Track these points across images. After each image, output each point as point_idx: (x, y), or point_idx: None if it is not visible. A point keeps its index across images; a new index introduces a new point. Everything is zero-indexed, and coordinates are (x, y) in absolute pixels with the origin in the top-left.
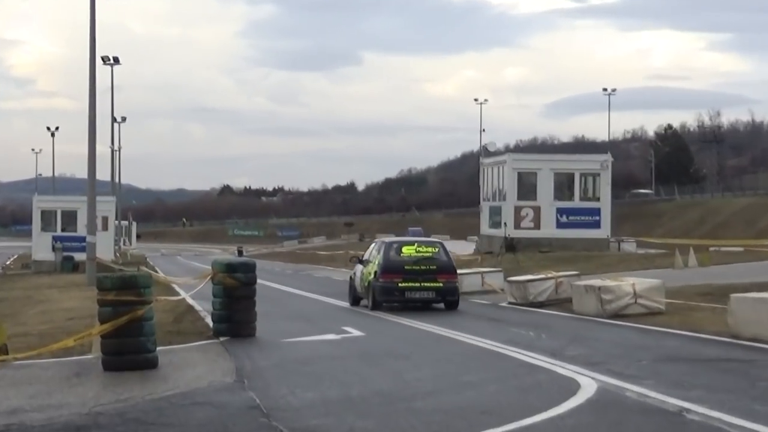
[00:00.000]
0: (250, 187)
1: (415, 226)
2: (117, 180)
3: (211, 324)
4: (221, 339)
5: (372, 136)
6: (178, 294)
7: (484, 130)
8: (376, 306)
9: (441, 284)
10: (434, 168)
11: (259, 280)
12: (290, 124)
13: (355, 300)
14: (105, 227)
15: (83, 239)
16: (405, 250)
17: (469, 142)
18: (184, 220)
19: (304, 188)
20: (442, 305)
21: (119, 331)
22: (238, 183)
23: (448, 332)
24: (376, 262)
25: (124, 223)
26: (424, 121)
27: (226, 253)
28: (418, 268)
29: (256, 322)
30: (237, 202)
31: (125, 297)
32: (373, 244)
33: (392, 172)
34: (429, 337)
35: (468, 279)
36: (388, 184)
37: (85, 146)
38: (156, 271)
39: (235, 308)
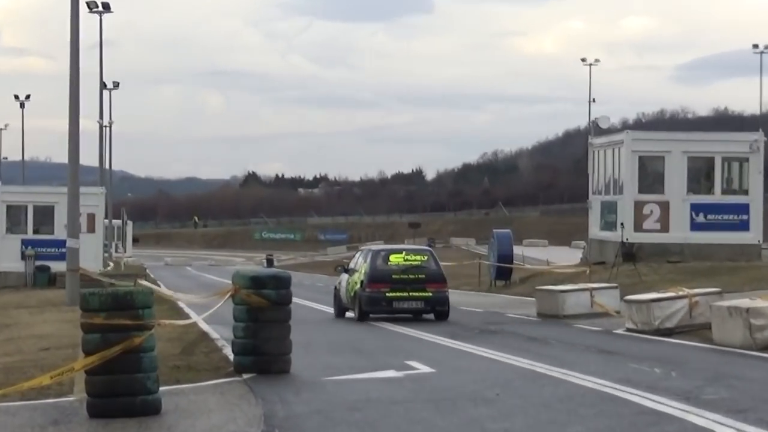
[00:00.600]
0: (283, 175)
1: (501, 228)
2: (107, 166)
3: (231, 356)
4: (244, 376)
5: (445, 108)
6: (187, 317)
7: (594, 100)
8: (362, 317)
9: (430, 294)
10: (527, 151)
11: (295, 299)
12: (337, 93)
13: (340, 311)
14: (91, 228)
15: (63, 244)
16: (392, 258)
17: (575, 117)
18: (196, 219)
19: (355, 177)
20: (431, 316)
21: (110, 366)
22: (268, 170)
23: (547, 368)
24: (363, 271)
25: (117, 222)
26: (514, 88)
27: (251, 263)
28: (406, 277)
29: (291, 354)
30: (266, 196)
31: (118, 320)
32: (359, 252)
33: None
34: (521, 375)
35: (572, 298)
36: (467, 173)
37: (65, 121)
38: (158, 286)
39: (264, 336)
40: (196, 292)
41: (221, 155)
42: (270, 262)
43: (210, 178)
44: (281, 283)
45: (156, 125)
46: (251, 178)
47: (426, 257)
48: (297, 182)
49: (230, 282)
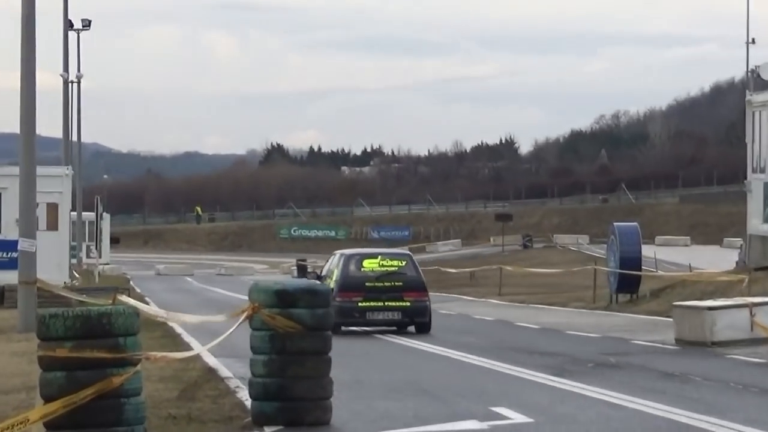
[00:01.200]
0: (319, 148)
1: (625, 221)
2: (75, 137)
3: (248, 402)
4: (267, 430)
5: (545, 53)
6: (188, 347)
7: (753, 41)
8: (333, 329)
9: (408, 303)
10: (661, 112)
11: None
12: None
13: None
14: (53, 224)
15: (13, 246)
16: (366, 263)
17: (726, 64)
18: (199, 210)
19: (421, 150)
20: (411, 329)
21: (79, 416)
22: (299, 142)
23: (690, 417)
24: (333, 278)
25: (89, 216)
26: (641, 25)
27: (276, 272)
28: (381, 284)
29: (332, 399)
30: (296, 178)
31: (90, 353)
32: (332, 257)
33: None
34: (654, 428)
35: (725, 318)
36: (576, 143)
37: (16, 74)
38: (146, 305)
39: (294, 373)
40: (200, 312)
41: (233, 121)
42: (303, 270)
43: (218, 153)
44: (318, 300)
45: (143, 81)
46: (276, 152)
47: (404, 262)
48: (339, 158)
49: (246, 298)
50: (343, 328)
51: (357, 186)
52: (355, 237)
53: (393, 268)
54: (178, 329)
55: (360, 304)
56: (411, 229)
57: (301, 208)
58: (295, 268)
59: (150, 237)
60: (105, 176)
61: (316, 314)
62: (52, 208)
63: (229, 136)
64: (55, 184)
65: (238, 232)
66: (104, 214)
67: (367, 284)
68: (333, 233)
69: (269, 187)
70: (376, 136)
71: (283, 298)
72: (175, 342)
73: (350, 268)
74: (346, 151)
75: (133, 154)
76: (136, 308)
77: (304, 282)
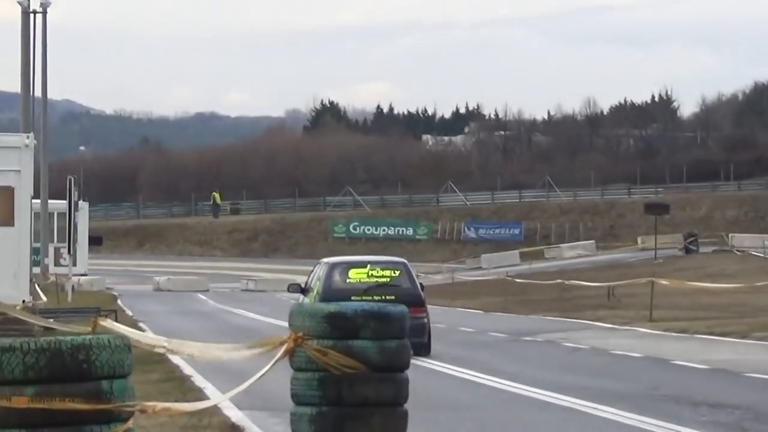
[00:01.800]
0: (391, 109)
1: None
2: (38, 91)
3: None
4: None
5: None
6: (201, 395)
7: None
8: None
9: None
10: None
11: (415, 360)
12: None
13: None
14: (6, 218)
15: None
16: (353, 274)
17: None
18: (217, 197)
19: (536, 112)
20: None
21: None
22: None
23: None
24: (315, 292)
25: (58, 205)
26: None
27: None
28: (369, 298)
29: None
30: (357, 149)
31: (60, 403)
32: (317, 266)
33: None
34: None
35: None
36: (762, 102)
37: None
38: (141, 332)
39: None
40: (218, 343)
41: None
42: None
43: (244, 115)
44: (389, 327)
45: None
46: (328, 114)
47: (398, 272)
48: (420, 122)
49: (285, 325)
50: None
51: (445, 163)
52: (443, 236)
53: (384, 279)
54: (187, 368)
55: None
56: (523, 226)
57: (365, 195)
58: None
59: (146, 236)
60: (82, 148)
61: (387, 348)
62: (5, 195)
63: (259, 92)
64: (10, 159)
65: (274, 230)
66: (81, 202)
67: (353, 298)
68: (411, 231)
69: (318, 164)
70: (473, 92)
71: (339, 325)
72: (183, 387)
73: (334, 279)
74: (430, 112)
75: (122, 117)
76: (126, 338)
77: (369, 303)
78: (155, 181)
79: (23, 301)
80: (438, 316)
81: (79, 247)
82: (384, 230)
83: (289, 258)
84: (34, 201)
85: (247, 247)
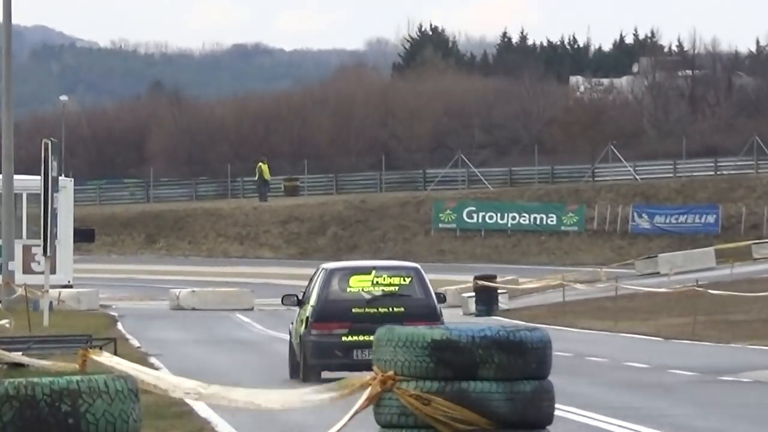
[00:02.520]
0: (522, 37)
1: None
2: None
3: None
4: None
5: None
6: None
7: None
8: (307, 374)
9: None
10: None
11: (561, 406)
12: None
13: (294, 368)
14: None
15: None
16: (355, 281)
17: None
18: (264, 168)
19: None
20: None
21: None
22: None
23: None
24: (310, 304)
25: (26, 183)
26: None
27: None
28: (374, 311)
29: None
30: (473, 95)
31: None
32: (315, 273)
33: None
34: None
35: None
36: None
37: None
38: (153, 369)
39: None
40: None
41: None
42: (488, 299)
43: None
44: (524, 362)
45: None
46: (425, 46)
47: (408, 279)
48: (564, 57)
49: (373, 363)
50: (322, 371)
51: (604, 118)
52: (601, 227)
53: (392, 288)
54: (222, 425)
55: (344, 338)
56: (720, 212)
57: (485, 167)
58: (473, 296)
59: (160, 228)
60: (63, 97)
61: (520, 394)
62: None
63: (326, 16)
64: None
65: (349, 218)
66: (63, 178)
67: (354, 311)
68: (554, 219)
69: (415, 121)
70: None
71: (448, 359)
72: None
73: (332, 288)
74: (580, 43)
75: (123, 52)
76: (131, 379)
77: (493, 327)
78: (172, 147)
79: None
80: (594, 345)
81: (61, 245)
82: (514, 218)
83: (373, 259)
84: None
85: (309, 245)
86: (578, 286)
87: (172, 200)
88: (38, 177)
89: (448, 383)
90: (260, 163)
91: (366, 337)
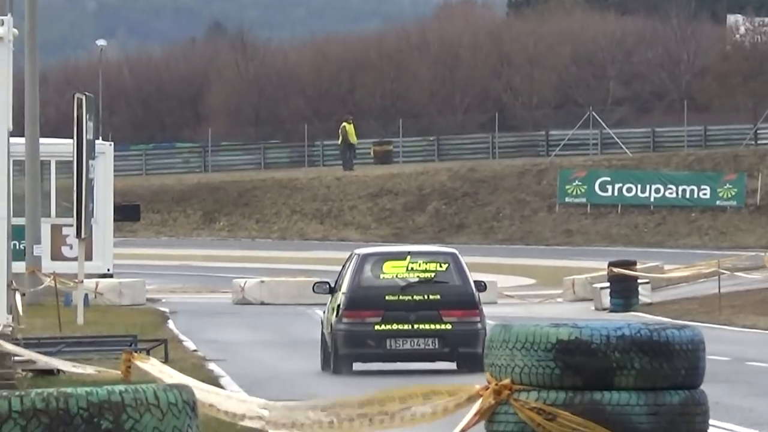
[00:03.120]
0: None
1: None
2: None
3: None
4: None
5: None
6: None
7: None
8: (338, 365)
9: (449, 326)
10: None
11: (716, 422)
12: None
13: (326, 359)
14: None
15: None
16: (389, 267)
17: None
18: (349, 127)
19: None
20: (452, 365)
21: None
22: None
23: None
24: (342, 292)
25: (58, 148)
26: None
27: (553, 302)
28: (409, 299)
29: None
30: (602, 39)
31: None
32: (347, 259)
33: None
34: None
35: None
36: None
37: None
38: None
39: None
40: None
41: None
42: (626, 290)
43: None
44: (670, 368)
45: None
46: None
47: (445, 266)
48: None
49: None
50: (355, 363)
51: None
52: (763, 202)
53: (428, 275)
54: None
55: (377, 327)
56: None
57: (620, 127)
58: (606, 286)
59: (220, 203)
60: (101, 42)
61: (666, 407)
62: None
63: None
64: None
65: (455, 191)
66: (101, 142)
67: (388, 298)
68: (707, 191)
69: (535, 69)
70: None
71: (577, 364)
72: None
73: (365, 274)
74: None
75: None
76: (188, 390)
77: (633, 325)
78: (235, 103)
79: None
80: (757, 346)
81: (98, 225)
82: (657, 190)
83: (483, 241)
84: (14, 141)
85: (405, 224)
86: (738, 274)
87: (236, 169)
88: (70, 140)
89: (578, 394)
90: (345, 123)
91: (400, 326)
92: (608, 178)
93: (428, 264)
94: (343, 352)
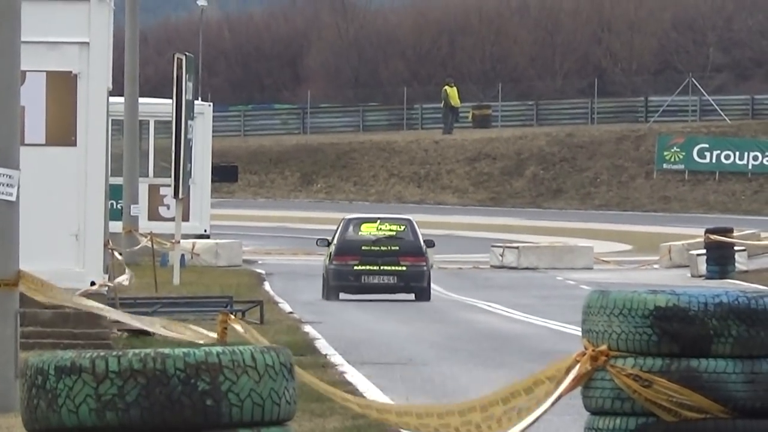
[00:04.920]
0: None
1: None
2: None
3: None
4: None
5: None
6: None
7: None
8: (329, 294)
9: (404, 268)
10: None
11: None
12: None
13: (323, 290)
14: (63, 131)
15: None
16: (364, 228)
17: None
18: (451, 91)
19: None
20: (411, 297)
21: None
22: None
23: None
24: (334, 243)
25: (157, 109)
26: None
27: (644, 268)
28: (377, 249)
29: None
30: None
31: None
32: (339, 223)
33: None
34: None
35: None
36: None
37: None
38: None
39: None
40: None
41: None
42: (723, 257)
43: None
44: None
45: None
46: None
47: (403, 227)
48: None
49: (576, 333)
50: (341, 293)
51: None
52: None
53: (391, 233)
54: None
55: (356, 267)
56: None
57: (721, 94)
58: (703, 253)
59: (318, 165)
60: (201, 2)
61: (764, 374)
62: (61, 87)
63: None
64: (69, 22)
65: (552, 156)
66: (200, 103)
67: (363, 248)
68: None
69: (633, 33)
70: None
71: (673, 331)
72: None
73: (348, 232)
74: None
75: None
76: (286, 353)
77: (729, 291)
78: (335, 65)
79: (92, 284)
80: None
81: (196, 185)
82: (756, 158)
83: (580, 207)
84: (113, 100)
85: (503, 188)
86: None
87: (334, 131)
88: (169, 100)
89: (674, 360)
90: (446, 87)
91: (371, 267)
92: (706, 145)
93: (391, 226)
94: (332, 284)
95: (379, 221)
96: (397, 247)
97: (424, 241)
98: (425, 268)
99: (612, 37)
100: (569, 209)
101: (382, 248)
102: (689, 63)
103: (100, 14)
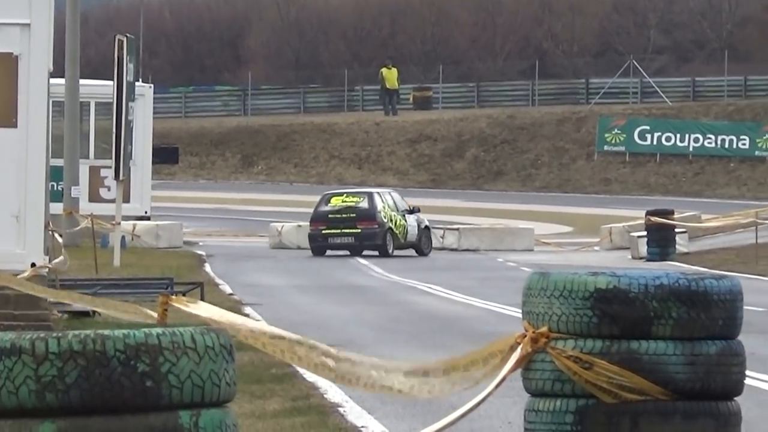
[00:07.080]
0: None
1: None
2: None
3: None
4: None
5: None
6: None
7: None
8: (313, 252)
9: (359, 230)
10: None
11: (753, 373)
12: None
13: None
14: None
15: None
16: (333, 200)
17: None
18: (388, 73)
19: None
20: (375, 254)
21: None
22: None
23: None
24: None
25: (97, 90)
26: None
27: (590, 250)
28: (340, 216)
29: None
30: None
31: None
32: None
33: None
34: None
35: None
36: None
37: None
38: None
39: None
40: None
41: None
42: (663, 239)
43: None
44: (707, 317)
45: None
46: None
47: (362, 198)
48: None
49: (516, 314)
50: (315, 249)
51: None
52: None
53: (352, 203)
54: (333, 389)
55: (323, 231)
56: None
57: (662, 76)
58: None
59: (259, 147)
60: None
61: (702, 357)
62: (1, 67)
63: None
64: (11, 7)
65: (488, 138)
66: (140, 84)
67: (330, 216)
68: (745, 141)
69: (575, 15)
70: None
71: (614, 313)
72: (326, 424)
73: (321, 204)
74: None
75: None
76: (224, 333)
77: (670, 273)
78: (276, 46)
79: (32, 265)
80: None
81: (137, 167)
82: (697, 140)
83: (521, 189)
84: (54, 82)
85: (444, 170)
86: None
87: (275, 113)
88: (110, 82)
89: (615, 342)
90: (384, 68)
91: (335, 230)
92: (647, 127)
93: (354, 198)
94: (311, 245)
95: (345, 195)
96: (354, 215)
97: (411, 208)
98: (378, 229)
99: (553, 18)
100: (510, 191)
101: (343, 215)
102: (630, 45)
103: None
